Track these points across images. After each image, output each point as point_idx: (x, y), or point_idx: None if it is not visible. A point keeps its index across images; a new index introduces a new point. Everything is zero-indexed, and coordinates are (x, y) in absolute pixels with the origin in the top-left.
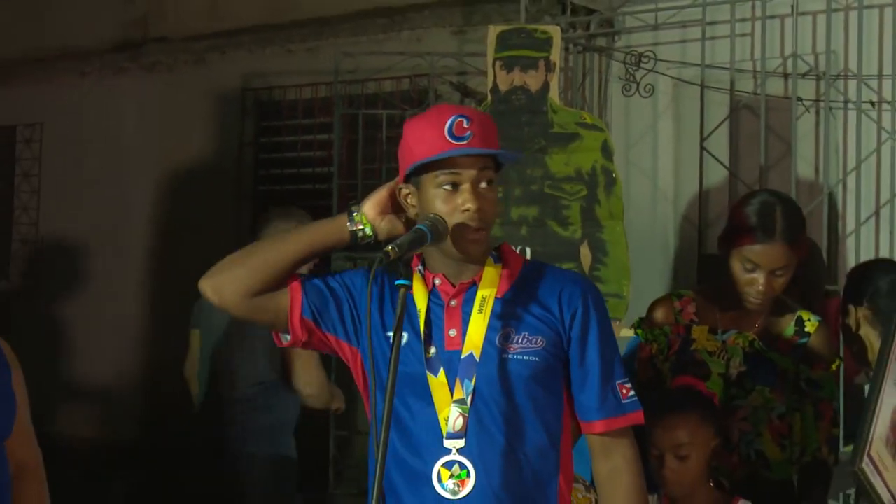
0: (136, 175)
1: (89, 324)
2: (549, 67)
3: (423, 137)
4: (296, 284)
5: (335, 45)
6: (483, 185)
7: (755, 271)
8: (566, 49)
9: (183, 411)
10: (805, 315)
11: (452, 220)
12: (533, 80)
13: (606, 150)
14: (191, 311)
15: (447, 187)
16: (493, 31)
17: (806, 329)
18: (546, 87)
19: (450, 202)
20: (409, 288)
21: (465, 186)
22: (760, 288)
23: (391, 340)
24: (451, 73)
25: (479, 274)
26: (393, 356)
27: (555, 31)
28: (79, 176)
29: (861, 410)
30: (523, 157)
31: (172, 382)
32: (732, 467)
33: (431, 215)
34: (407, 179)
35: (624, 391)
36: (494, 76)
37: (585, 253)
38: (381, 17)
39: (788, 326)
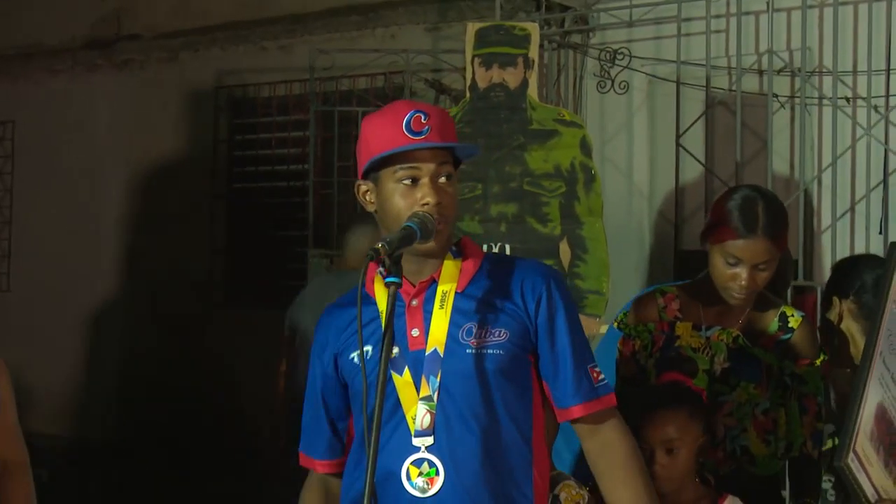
0: (109, 173)
1: (63, 321)
2: (528, 64)
3: (380, 133)
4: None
5: (309, 43)
6: (442, 179)
7: (738, 266)
8: (541, 46)
9: (155, 408)
10: (789, 311)
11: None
12: (512, 77)
13: (585, 147)
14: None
15: (406, 182)
16: (472, 27)
17: (790, 325)
18: (525, 83)
19: (409, 197)
20: (399, 285)
21: (424, 181)
22: (743, 283)
23: (356, 359)
24: (426, 69)
25: (439, 270)
26: (384, 352)
27: (533, 28)
28: (52, 174)
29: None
30: (480, 152)
31: (145, 379)
32: (718, 463)
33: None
34: (365, 176)
35: (595, 375)
36: (473, 73)
37: (565, 249)
38: (354, 14)
39: (772, 322)
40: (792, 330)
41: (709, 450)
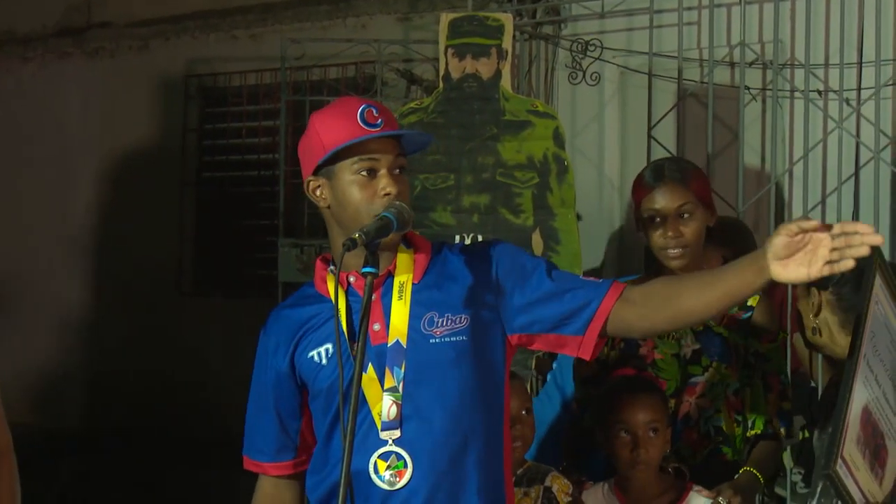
0: (79, 161)
1: (32, 308)
2: (501, 55)
3: (334, 127)
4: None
5: (279, 32)
6: (397, 171)
7: (661, 222)
8: (513, 37)
9: (125, 396)
10: None
11: (372, 208)
12: (485, 68)
13: (558, 138)
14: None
15: (364, 174)
16: (445, 18)
17: (748, 303)
18: (498, 74)
19: (367, 188)
20: (376, 275)
21: (383, 172)
22: (670, 233)
23: (316, 358)
24: (398, 59)
25: (393, 263)
26: (360, 338)
27: (507, 19)
28: (22, 161)
29: (806, 399)
30: (433, 140)
31: (116, 368)
32: (692, 444)
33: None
34: (316, 172)
35: (592, 277)
36: (446, 63)
37: (537, 240)
38: (325, 3)
39: None
40: (751, 308)
41: (684, 431)
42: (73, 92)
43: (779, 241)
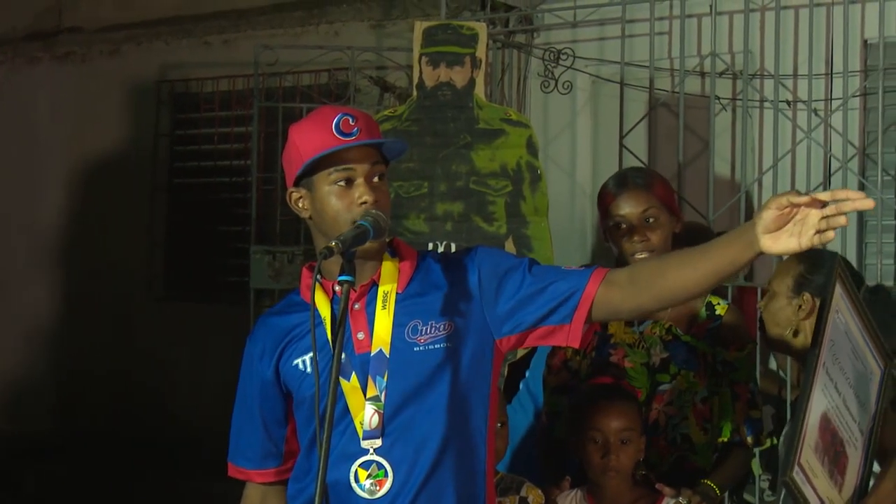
0: (49, 166)
1: (1, 313)
2: (475, 63)
3: (311, 138)
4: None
5: (252, 38)
6: (375, 179)
7: (628, 229)
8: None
9: (95, 401)
10: (714, 300)
11: (349, 216)
12: (459, 76)
13: (531, 147)
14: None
15: (341, 183)
16: (420, 26)
17: (717, 312)
18: (472, 83)
19: (345, 198)
20: (352, 283)
21: (359, 181)
22: (636, 238)
23: (300, 366)
24: (371, 67)
25: (378, 272)
26: (336, 349)
27: (481, 28)
28: None
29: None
30: (408, 147)
31: (86, 373)
32: (660, 451)
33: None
34: (297, 183)
35: (575, 268)
36: (420, 71)
37: (510, 248)
38: (298, 10)
39: (700, 311)
40: (720, 317)
41: (652, 438)
42: (43, 97)
43: (768, 215)
